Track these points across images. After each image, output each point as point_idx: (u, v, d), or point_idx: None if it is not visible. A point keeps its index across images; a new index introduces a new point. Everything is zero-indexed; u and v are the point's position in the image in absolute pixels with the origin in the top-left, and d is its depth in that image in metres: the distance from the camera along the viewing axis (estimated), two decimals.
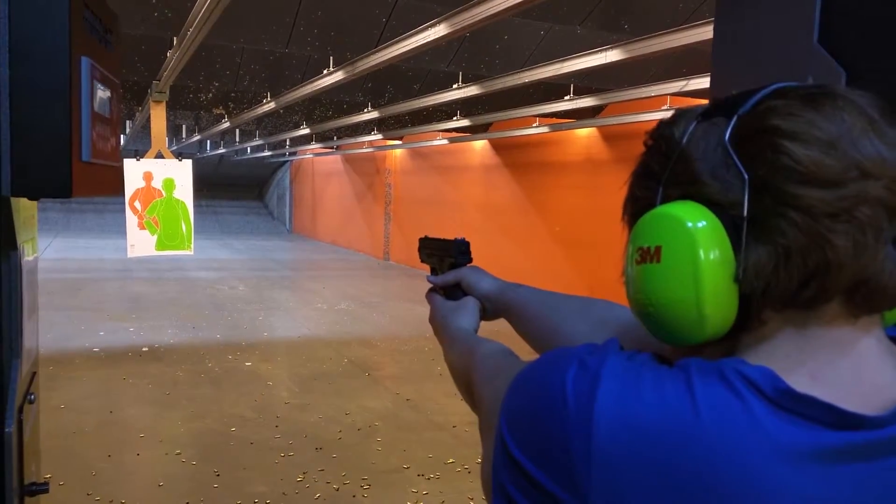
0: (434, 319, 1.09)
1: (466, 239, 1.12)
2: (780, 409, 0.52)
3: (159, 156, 6.99)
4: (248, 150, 18.94)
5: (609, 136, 9.90)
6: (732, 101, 0.59)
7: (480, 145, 13.36)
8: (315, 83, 6.33)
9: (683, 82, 5.98)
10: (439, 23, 4.15)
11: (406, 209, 16.47)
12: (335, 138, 14.41)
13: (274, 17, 5.04)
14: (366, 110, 8.98)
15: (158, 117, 7.21)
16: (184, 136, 14.28)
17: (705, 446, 0.50)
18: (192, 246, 7.05)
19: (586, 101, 7.39)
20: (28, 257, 1.34)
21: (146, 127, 9.41)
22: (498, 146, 12.82)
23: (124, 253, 6.91)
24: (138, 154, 6.96)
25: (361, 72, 5.43)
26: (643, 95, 6.67)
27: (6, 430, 1.23)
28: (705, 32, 3.92)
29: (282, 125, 12.44)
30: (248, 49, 6.24)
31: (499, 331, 0.94)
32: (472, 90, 6.49)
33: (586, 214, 10.13)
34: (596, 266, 9.61)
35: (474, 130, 12.07)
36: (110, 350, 7.48)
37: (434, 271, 1.15)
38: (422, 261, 1.20)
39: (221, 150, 18.19)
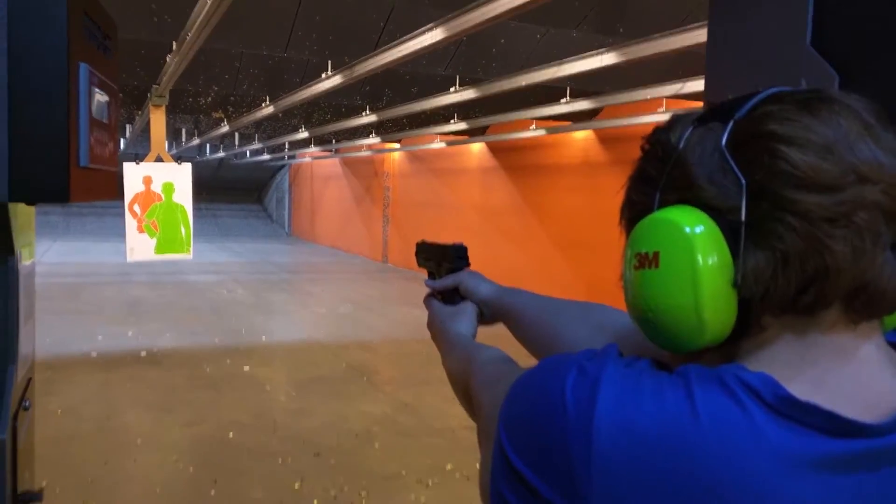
0: (432, 325, 1.08)
1: (464, 244, 1.12)
2: (780, 416, 0.51)
3: (159, 159, 6.99)
4: (248, 154, 18.94)
5: (606, 138, 9.92)
6: (728, 105, 0.58)
7: (478, 148, 13.38)
8: (313, 87, 6.34)
9: (679, 85, 6.00)
10: (436, 27, 4.16)
11: (404, 212, 16.48)
12: (334, 141, 14.44)
13: (272, 21, 5.05)
14: (364, 114, 8.99)
15: (158, 121, 7.21)
16: (183, 139, 14.29)
17: (705, 453, 0.50)
18: (191, 249, 7.04)
19: (583, 104, 7.42)
20: (25, 262, 1.34)
21: (146, 131, 9.42)
22: (495, 149, 12.84)
23: (124, 257, 6.90)
24: (138, 158, 6.96)
25: (359, 76, 5.44)
26: (639, 98, 6.69)
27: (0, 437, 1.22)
28: (700, 35, 3.93)
29: (281, 129, 12.45)
30: (247, 53, 6.25)
31: (497, 334, 0.94)
32: (469, 93, 6.50)
33: (584, 216, 10.14)
34: (594, 268, 9.62)
35: (472, 133, 12.09)
36: (108, 354, 7.46)
37: (432, 276, 1.15)
38: (419, 265, 1.20)
39: (221, 154, 18.21)
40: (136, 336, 8.41)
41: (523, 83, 5.76)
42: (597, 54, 4.86)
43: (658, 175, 0.60)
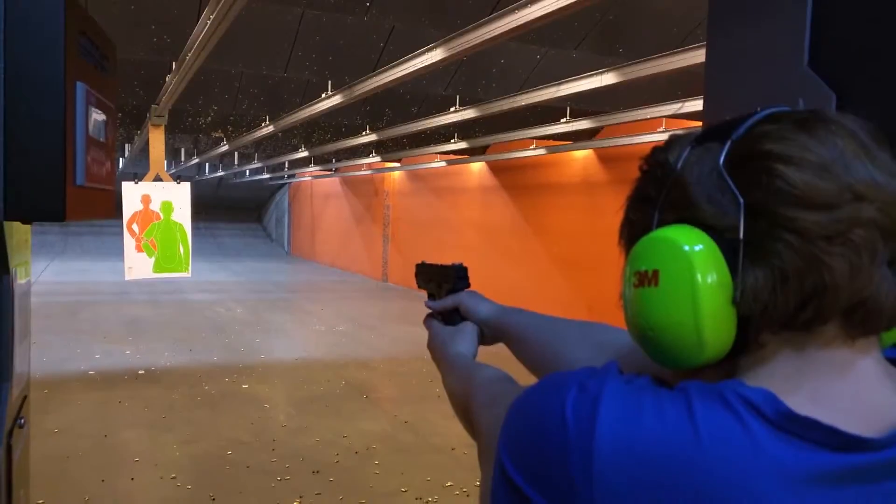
0: (432, 345, 1.08)
1: (464, 264, 1.11)
2: (780, 431, 0.52)
3: (158, 179, 7.01)
4: (247, 173, 19.00)
5: (606, 157, 9.95)
6: (726, 126, 0.59)
7: (478, 167, 13.42)
8: (313, 107, 6.36)
9: (679, 105, 6.03)
10: (436, 47, 4.18)
11: (404, 231, 16.49)
12: (334, 161, 14.47)
13: (272, 41, 5.08)
14: (364, 133, 9.02)
15: (157, 141, 7.23)
16: (182, 159, 14.33)
17: (706, 469, 0.50)
18: (189, 268, 7.04)
19: (583, 124, 7.44)
20: (20, 281, 1.33)
21: (145, 150, 9.44)
22: (495, 168, 12.88)
23: (122, 275, 6.89)
24: (137, 177, 6.98)
25: (359, 95, 5.47)
26: (639, 118, 6.72)
27: None
28: (699, 56, 3.95)
29: (280, 148, 12.49)
30: (246, 73, 6.28)
31: (498, 354, 0.93)
32: (469, 113, 6.53)
33: (584, 235, 10.14)
34: (595, 287, 9.61)
35: (472, 153, 12.12)
36: (106, 373, 7.43)
37: (432, 297, 1.15)
38: (419, 287, 1.19)
39: (220, 173, 18.24)
40: (134, 354, 8.38)
41: (523, 103, 5.79)
42: (596, 74, 4.89)
43: (657, 195, 0.61)
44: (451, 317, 1.08)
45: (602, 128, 8.63)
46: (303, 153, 11.83)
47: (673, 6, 4.41)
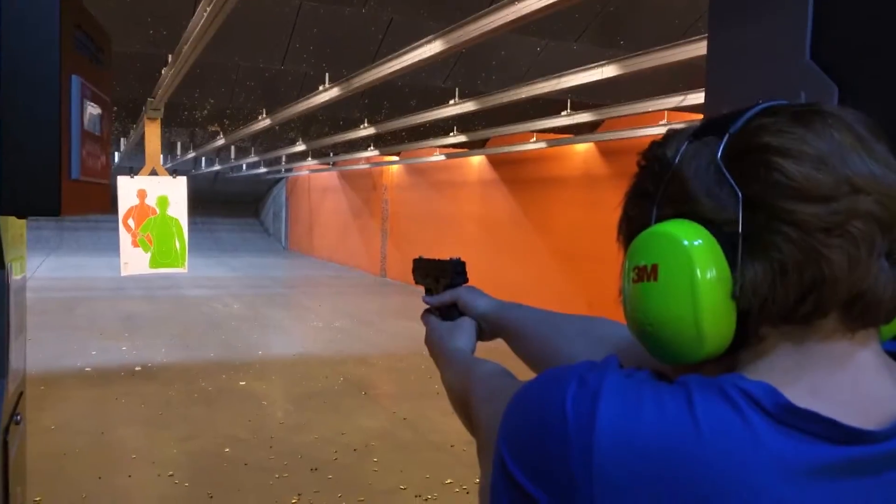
0: (430, 340, 1.08)
1: (462, 259, 1.11)
2: (780, 424, 0.52)
3: (154, 173, 6.98)
4: (244, 167, 18.96)
5: (607, 151, 9.94)
6: (723, 119, 0.60)
7: (478, 161, 13.40)
8: (311, 100, 6.34)
9: (681, 97, 6.01)
10: (435, 39, 4.16)
11: (403, 225, 16.48)
12: (331, 154, 14.45)
13: (269, 34, 5.06)
14: (362, 126, 9.00)
15: (153, 134, 7.20)
16: (179, 152, 14.29)
17: (706, 463, 0.51)
18: (185, 263, 7.02)
19: (583, 117, 7.42)
20: (16, 276, 1.32)
21: (141, 144, 9.40)
22: (495, 162, 12.86)
23: (118, 271, 6.87)
24: (133, 171, 6.95)
25: (357, 88, 5.44)
26: (640, 111, 6.70)
27: None
28: (700, 48, 3.94)
29: (277, 142, 12.45)
30: (243, 66, 6.25)
31: (496, 349, 0.93)
32: (468, 106, 6.51)
33: (585, 229, 10.14)
34: (595, 281, 9.61)
35: (471, 146, 12.10)
36: (102, 369, 7.42)
37: (429, 292, 1.14)
38: (416, 282, 1.18)
39: (217, 167, 18.21)
40: (130, 351, 8.38)
41: (523, 95, 5.77)
42: (597, 67, 4.87)
43: (655, 190, 0.61)
44: (449, 312, 1.08)
45: (603, 121, 8.62)
46: (300, 147, 11.81)
47: None
